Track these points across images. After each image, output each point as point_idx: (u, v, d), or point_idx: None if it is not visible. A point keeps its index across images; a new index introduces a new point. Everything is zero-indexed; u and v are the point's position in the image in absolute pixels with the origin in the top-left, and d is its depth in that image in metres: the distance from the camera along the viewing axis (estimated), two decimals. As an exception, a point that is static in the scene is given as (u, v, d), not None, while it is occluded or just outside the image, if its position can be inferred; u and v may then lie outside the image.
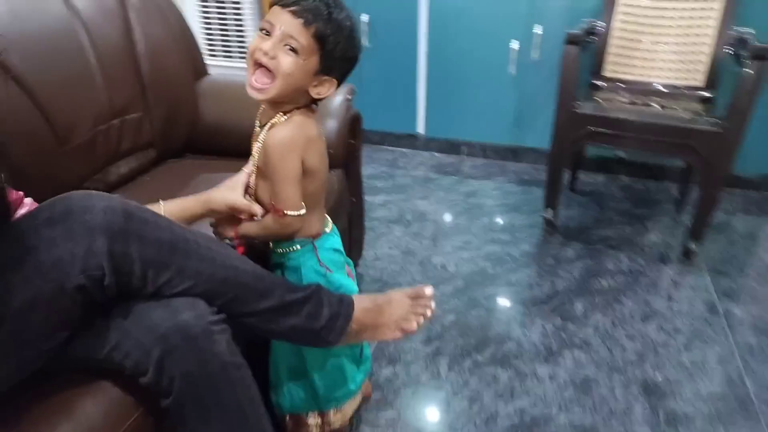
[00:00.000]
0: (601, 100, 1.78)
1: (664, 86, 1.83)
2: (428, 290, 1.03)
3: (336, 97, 1.37)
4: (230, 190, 0.94)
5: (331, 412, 1.06)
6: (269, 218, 0.91)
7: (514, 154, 2.45)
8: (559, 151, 1.75)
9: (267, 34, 0.81)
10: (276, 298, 0.82)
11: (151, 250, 0.68)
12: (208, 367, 0.70)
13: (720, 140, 1.50)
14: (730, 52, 1.71)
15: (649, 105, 1.73)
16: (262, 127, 0.91)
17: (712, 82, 1.78)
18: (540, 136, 2.33)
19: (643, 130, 1.60)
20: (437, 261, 1.73)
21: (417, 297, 1.03)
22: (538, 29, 2.13)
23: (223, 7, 2.53)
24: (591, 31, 1.87)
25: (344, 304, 0.95)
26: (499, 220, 1.97)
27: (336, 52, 0.83)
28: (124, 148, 1.29)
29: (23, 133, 1.06)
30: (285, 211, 0.88)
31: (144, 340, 0.67)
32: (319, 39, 0.81)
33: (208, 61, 2.69)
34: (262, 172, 0.91)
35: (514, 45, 2.19)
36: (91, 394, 0.72)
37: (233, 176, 0.97)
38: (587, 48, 1.91)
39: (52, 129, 1.12)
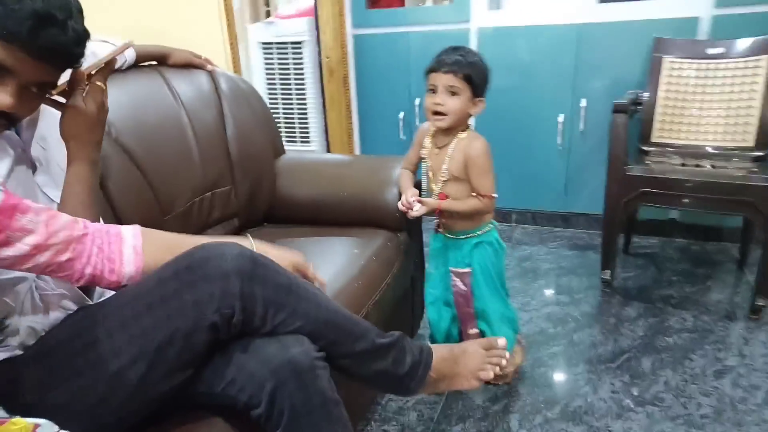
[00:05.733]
0: (651, 163, 1.85)
1: (714, 148, 1.88)
2: (501, 341, 1.09)
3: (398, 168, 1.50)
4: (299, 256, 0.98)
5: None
6: (475, 201, 1.31)
7: (564, 220, 2.50)
8: (613, 213, 1.81)
9: (433, 91, 1.28)
10: (369, 341, 0.89)
11: (272, 291, 0.77)
12: (311, 401, 0.77)
13: (776, 196, 1.53)
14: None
15: (701, 166, 1.78)
16: (441, 147, 1.35)
17: (763, 142, 1.83)
18: (589, 202, 2.39)
19: (699, 188, 1.65)
20: (498, 322, 1.76)
21: (490, 347, 1.08)
22: (583, 102, 2.26)
23: (291, 103, 2.81)
24: (636, 102, 1.97)
25: (425, 352, 1.01)
26: (556, 283, 2.00)
27: (479, 81, 1.27)
28: (213, 217, 1.45)
29: (135, 203, 1.22)
30: (493, 194, 1.31)
31: (258, 373, 0.75)
32: (466, 79, 1.25)
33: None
34: (455, 176, 1.33)
35: (561, 118, 2.31)
36: (206, 429, 0.80)
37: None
38: (633, 117, 2.01)
39: (157, 200, 1.28)
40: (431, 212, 1.33)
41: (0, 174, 0.79)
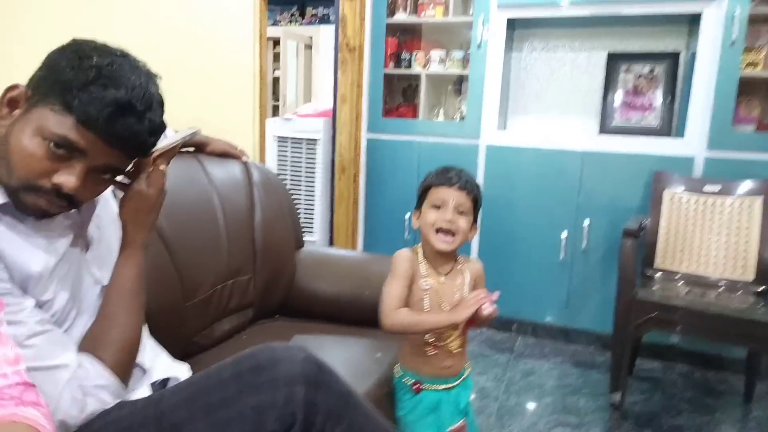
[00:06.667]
0: (658, 289, 1.89)
1: (718, 278, 1.94)
2: None
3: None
4: None
5: None
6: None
7: (565, 335, 2.49)
8: (622, 336, 1.81)
9: (439, 208, 1.13)
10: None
11: (334, 401, 0.73)
12: None
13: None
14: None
15: (706, 295, 1.83)
16: (447, 274, 1.18)
17: (762, 277, 1.89)
18: (591, 319, 2.40)
19: (708, 318, 1.67)
20: (506, 442, 1.68)
21: None
22: (586, 222, 2.35)
23: (299, 194, 2.86)
24: (641, 226, 2.06)
25: None
26: (563, 402, 1.94)
27: (479, 205, 1.17)
28: (231, 306, 1.40)
29: (160, 287, 1.18)
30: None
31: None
32: (474, 200, 1.15)
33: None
34: (471, 291, 1.18)
35: (564, 234, 2.39)
36: None
37: None
38: (638, 239, 2.08)
39: (182, 285, 1.24)
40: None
41: (57, 252, 0.77)
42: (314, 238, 2.89)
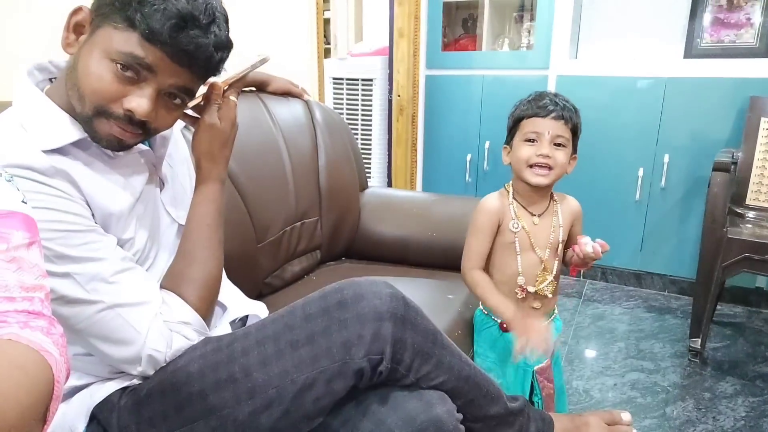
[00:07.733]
0: (752, 227, 1.74)
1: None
2: (626, 416, 0.99)
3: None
4: None
5: None
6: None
7: (637, 278, 2.38)
8: (708, 277, 1.69)
9: (532, 142, 1.03)
10: (502, 405, 0.81)
11: (420, 338, 0.70)
12: (452, 467, 0.68)
13: None
14: None
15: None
16: (540, 215, 1.10)
17: None
18: (667, 262, 2.27)
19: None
20: (578, 385, 1.63)
21: (614, 423, 0.98)
22: (666, 158, 2.17)
23: (356, 137, 2.80)
24: (733, 159, 1.88)
25: (546, 421, 0.92)
26: (637, 347, 1.87)
27: (579, 133, 1.06)
28: (300, 248, 1.39)
29: (234, 229, 1.17)
30: None
31: (399, 431, 0.67)
32: (573, 130, 1.03)
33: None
34: (566, 233, 1.13)
35: (641, 172, 2.23)
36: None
37: None
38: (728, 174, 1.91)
39: (254, 226, 1.23)
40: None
41: (135, 190, 0.75)
42: (372, 182, 2.84)
